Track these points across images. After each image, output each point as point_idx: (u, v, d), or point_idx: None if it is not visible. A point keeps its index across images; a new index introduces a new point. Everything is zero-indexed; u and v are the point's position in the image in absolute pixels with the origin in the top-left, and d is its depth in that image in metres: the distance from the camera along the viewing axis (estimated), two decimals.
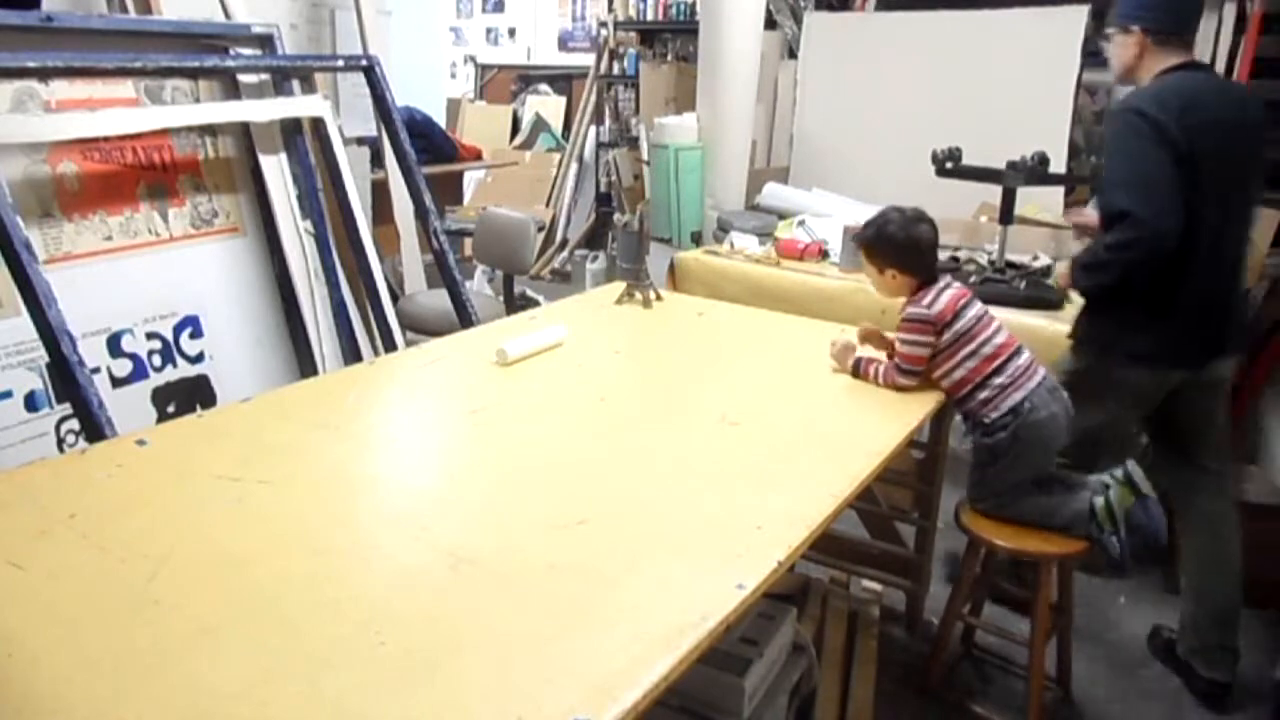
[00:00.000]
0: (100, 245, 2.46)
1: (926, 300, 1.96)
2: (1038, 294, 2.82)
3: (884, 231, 2.00)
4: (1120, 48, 2.25)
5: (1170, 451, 2.35)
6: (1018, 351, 1.98)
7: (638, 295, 2.53)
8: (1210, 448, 2.33)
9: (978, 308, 1.99)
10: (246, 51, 2.82)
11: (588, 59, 7.14)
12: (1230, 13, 3.50)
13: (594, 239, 6.86)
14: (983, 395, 1.95)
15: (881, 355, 2.05)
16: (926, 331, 1.94)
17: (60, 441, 2.33)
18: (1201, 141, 2.04)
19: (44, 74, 2.30)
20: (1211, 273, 2.14)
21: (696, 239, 4.19)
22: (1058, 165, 3.32)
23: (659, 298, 2.55)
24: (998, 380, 1.94)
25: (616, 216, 6.07)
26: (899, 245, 1.98)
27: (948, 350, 1.95)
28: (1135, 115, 2.07)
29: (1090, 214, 2.52)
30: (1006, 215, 2.91)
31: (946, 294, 1.97)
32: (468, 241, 4.38)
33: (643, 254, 2.58)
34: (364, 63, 3.06)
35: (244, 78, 2.82)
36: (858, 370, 1.99)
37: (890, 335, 2.07)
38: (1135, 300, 2.13)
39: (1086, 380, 2.20)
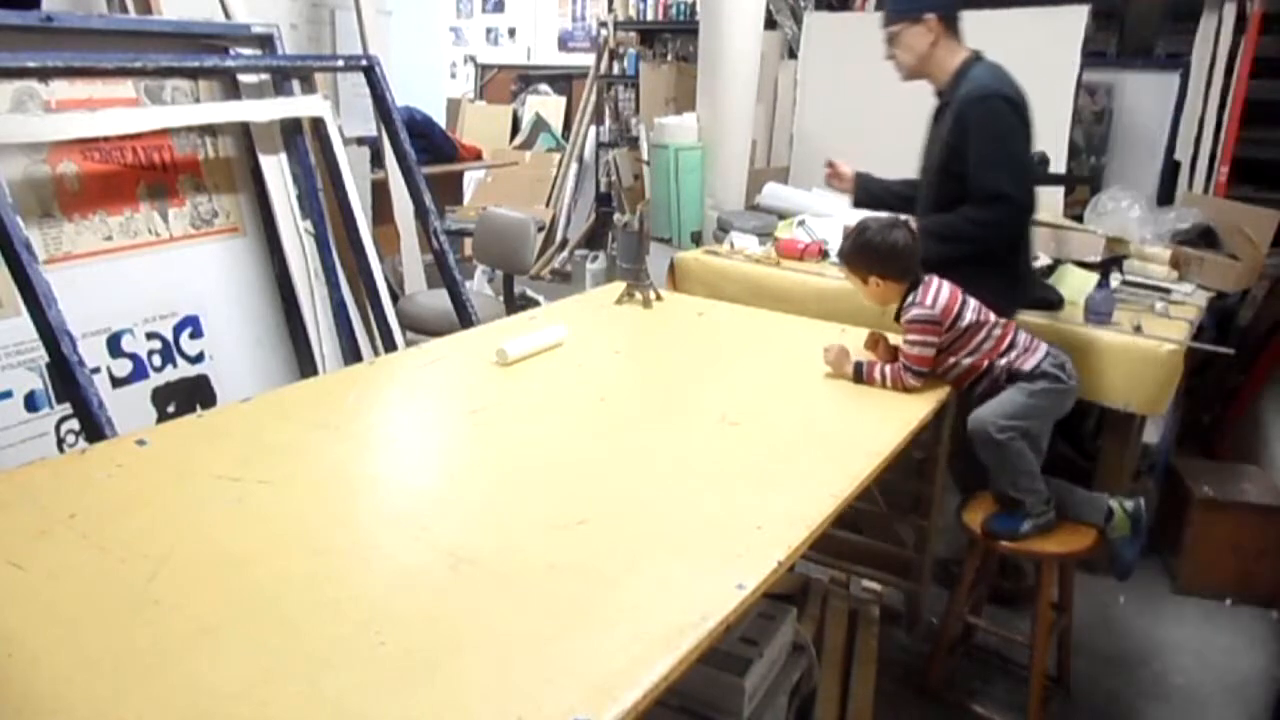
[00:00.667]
0: (100, 245, 2.46)
1: (928, 300, 1.97)
2: (1038, 294, 2.82)
3: (862, 240, 2.03)
4: (914, 39, 2.36)
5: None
6: (1018, 331, 2.09)
7: (637, 295, 2.53)
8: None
9: (972, 304, 2.03)
10: (246, 51, 2.82)
11: (588, 59, 7.14)
12: (1230, 13, 3.50)
13: (594, 239, 6.86)
14: (1003, 361, 2.02)
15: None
16: (934, 331, 1.96)
17: (60, 441, 2.33)
18: (1030, 121, 2.29)
19: (44, 74, 2.30)
20: (1028, 236, 2.46)
21: (696, 239, 4.19)
22: (1058, 165, 3.32)
23: (659, 298, 2.54)
24: (1014, 352, 2.04)
25: (616, 216, 6.08)
26: (880, 253, 2.00)
27: (961, 340, 2.00)
28: (1003, 101, 2.22)
29: (845, 166, 2.78)
30: None
31: (944, 290, 1.99)
32: (468, 241, 4.38)
33: (643, 254, 2.57)
34: (364, 63, 3.06)
35: (244, 78, 2.82)
36: (861, 376, 1.96)
37: (895, 340, 2.07)
38: (990, 266, 2.25)
39: None
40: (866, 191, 2.77)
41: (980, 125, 2.25)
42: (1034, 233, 2.43)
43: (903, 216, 2.13)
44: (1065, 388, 2.06)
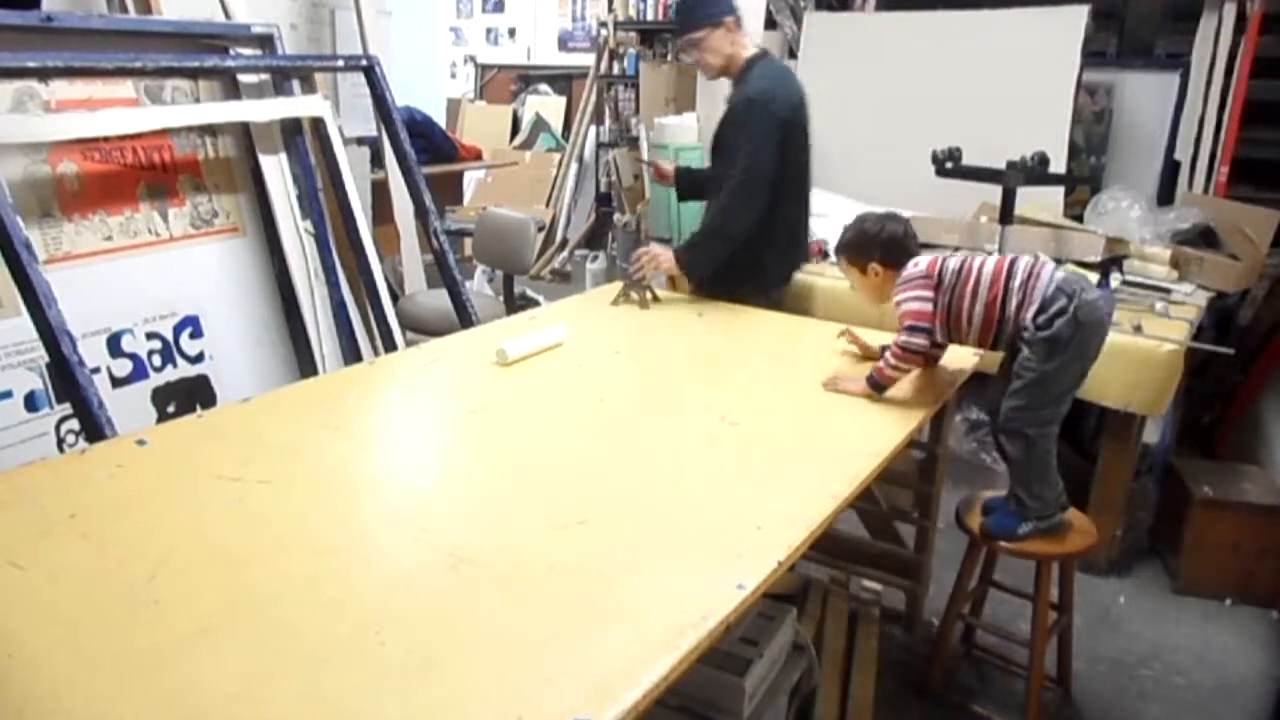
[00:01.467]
0: (100, 245, 2.46)
1: (910, 266, 1.96)
2: None
3: (861, 230, 2.03)
4: (718, 42, 2.55)
5: None
6: (1019, 258, 1.93)
7: (634, 295, 2.52)
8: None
9: (959, 253, 2.01)
10: (246, 51, 2.82)
11: (588, 59, 7.14)
12: (1230, 13, 3.50)
13: (594, 239, 6.85)
14: (1013, 304, 1.87)
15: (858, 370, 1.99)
16: (924, 286, 1.91)
17: (60, 441, 2.33)
18: (804, 115, 2.58)
19: (44, 74, 2.30)
20: (806, 215, 2.74)
21: None
22: (1058, 165, 3.32)
23: (656, 299, 2.54)
24: (1015, 284, 1.87)
25: (616, 216, 6.08)
26: (879, 240, 2.00)
27: (957, 291, 1.91)
28: (770, 104, 2.46)
29: (666, 164, 3.00)
30: (1006, 215, 2.91)
31: (924, 257, 1.98)
32: (468, 241, 4.38)
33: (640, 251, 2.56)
34: (364, 63, 3.06)
35: (244, 78, 2.82)
36: (876, 383, 1.89)
37: (876, 345, 2.09)
38: (758, 249, 2.57)
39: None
40: (686, 184, 2.94)
41: (746, 124, 2.49)
42: (805, 211, 2.72)
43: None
44: (1091, 305, 1.81)
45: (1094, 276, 2.80)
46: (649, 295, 2.54)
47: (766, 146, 2.46)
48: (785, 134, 2.48)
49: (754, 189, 2.48)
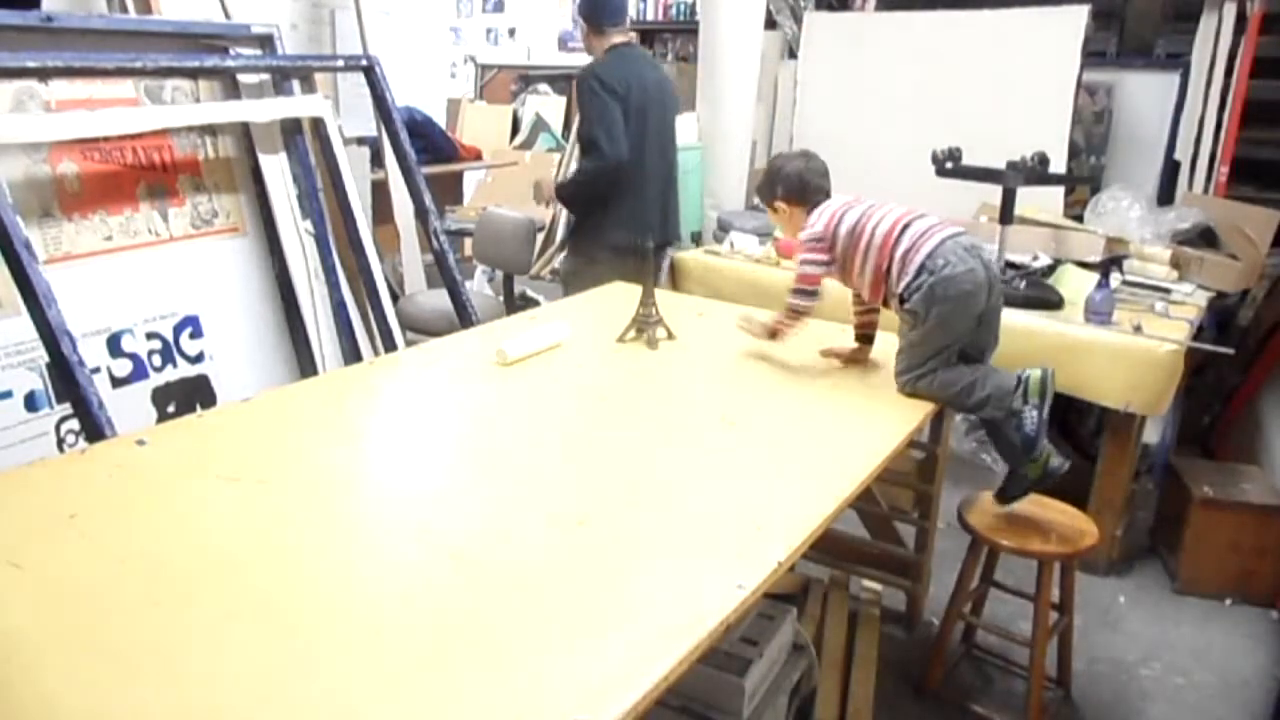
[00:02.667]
0: (100, 245, 2.46)
1: (810, 221, 2.03)
2: (1038, 294, 2.82)
3: (768, 169, 2.14)
4: (581, 34, 3.27)
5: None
6: (916, 219, 1.95)
7: (644, 334, 2.22)
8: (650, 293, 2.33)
9: (861, 205, 2.01)
10: (246, 51, 2.82)
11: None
12: (1230, 13, 3.50)
13: None
14: (895, 272, 1.92)
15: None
16: (818, 249, 2.00)
17: (60, 441, 2.32)
18: (639, 95, 3.02)
19: (44, 74, 2.29)
20: (657, 184, 3.18)
21: (696, 239, 4.19)
22: (1058, 165, 3.32)
23: (671, 335, 2.25)
24: (899, 251, 1.91)
25: None
26: (782, 177, 2.09)
27: (848, 254, 1.99)
28: (595, 80, 2.99)
29: (547, 180, 3.45)
30: (1006, 215, 2.91)
31: (827, 209, 2.03)
32: (468, 241, 4.37)
33: (651, 288, 2.24)
34: (364, 63, 3.06)
35: (244, 78, 2.81)
36: (773, 333, 2.07)
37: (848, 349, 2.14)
38: (602, 206, 3.07)
39: (583, 272, 3.08)
40: None
41: (579, 96, 3.08)
42: (645, 182, 3.11)
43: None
44: (951, 279, 1.84)
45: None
46: (663, 335, 2.24)
47: (588, 109, 3.01)
48: (604, 106, 2.94)
49: (584, 150, 3.04)
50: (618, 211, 3.07)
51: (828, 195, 2.09)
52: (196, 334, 2.67)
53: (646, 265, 2.27)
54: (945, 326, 1.87)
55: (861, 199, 2.05)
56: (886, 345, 2.25)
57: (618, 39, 3.15)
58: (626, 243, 3.00)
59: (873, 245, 1.95)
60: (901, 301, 1.93)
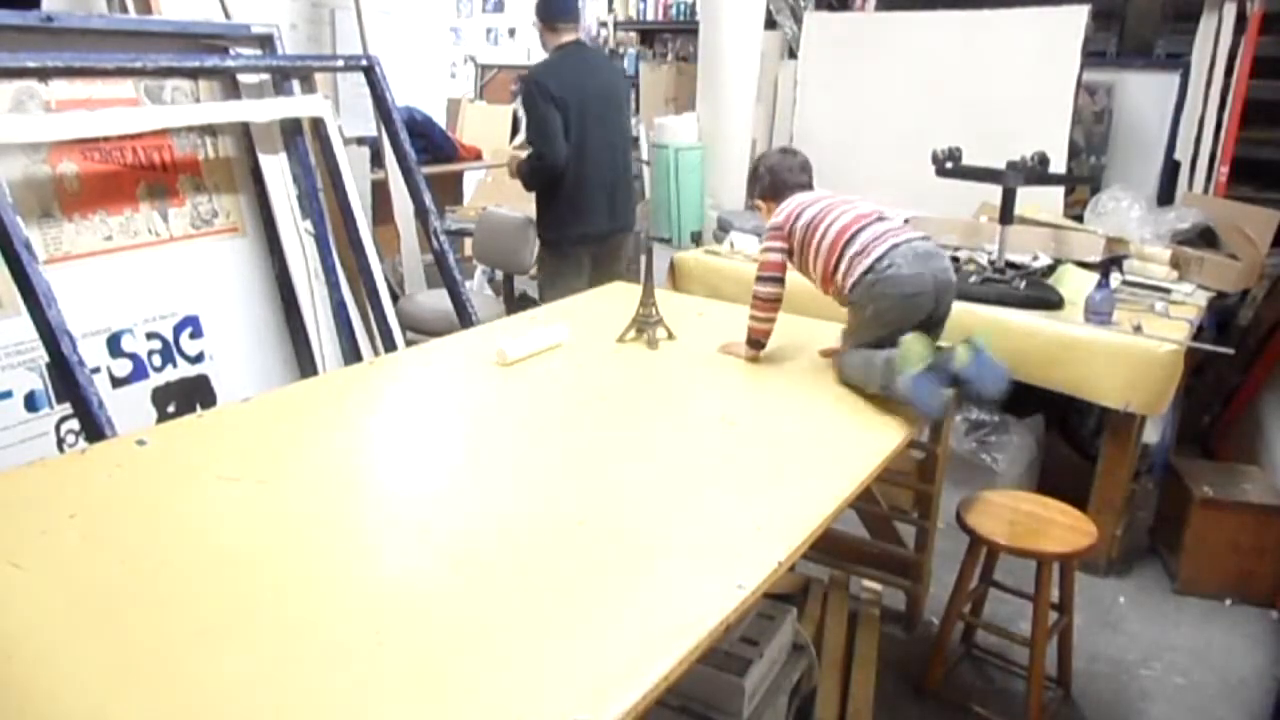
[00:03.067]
0: (100, 245, 2.46)
1: (775, 211, 2.08)
2: (1038, 294, 2.82)
3: (751, 169, 2.22)
4: (540, 36, 3.47)
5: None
6: (875, 223, 1.94)
7: (644, 335, 2.22)
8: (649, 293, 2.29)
9: (824, 201, 2.03)
10: (246, 51, 2.82)
11: None
12: (1230, 13, 3.50)
13: None
14: (842, 270, 1.93)
15: None
16: (776, 238, 2.04)
17: (60, 441, 2.33)
18: (578, 97, 3.27)
19: (44, 74, 2.29)
20: (604, 176, 3.42)
21: (696, 239, 4.19)
22: (1058, 165, 3.32)
23: (671, 335, 2.25)
24: (850, 252, 1.92)
25: None
26: (757, 176, 2.17)
27: (803, 246, 2.01)
28: (535, 87, 3.28)
29: (517, 150, 3.68)
30: (1006, 215, 2.91)
31: (792, 201, 2.05)
32: (468, 241, 4.37)
33: (651, 288, 2.21)
34: (364, 63, 3.06)
35: (244, 78, 2.82)
36: (754, 341, 2.06)
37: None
38: (547, 200, 3.43)
39: (551, 262, 3.50)
40: None
41: (523, 100, 3.40)
42: (589, 176, 3.39)
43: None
44: (893, 279, 1.84)
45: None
46: (663, 335, 2.25)
47: (531, 114, 3.32)
48: (542, 114, 3.25)
49: (542, 151, 3.31)
50: (567, 204, 3.41)
51: (807, 188, 2.11)
52: (196, 334, 2.67)
53: (647, 266, 2.26)
54: (880, 321, 1.89)
55: (833, 195, 2.06)
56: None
57: (568, 37, 3.42)
58: (579, 232, 3.44)
59: (824, 243, 1.97)
60: (849, 297, 1.96)
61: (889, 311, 1.88)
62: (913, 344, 1.77)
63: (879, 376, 1.83)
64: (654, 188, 4.57)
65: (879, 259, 1.87)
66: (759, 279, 2.04)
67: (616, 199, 3.51)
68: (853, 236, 1.93)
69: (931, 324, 1.93)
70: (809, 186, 2.13)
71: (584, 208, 3.42)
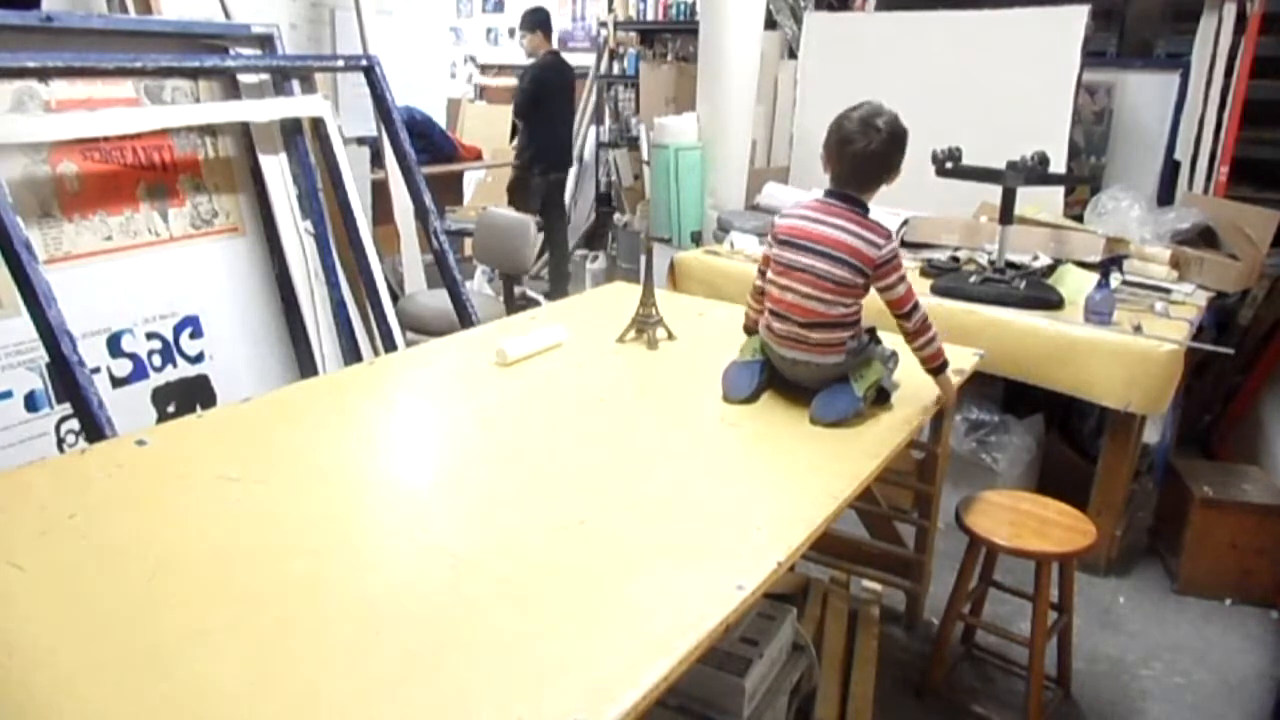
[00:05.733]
0: (100, 245, 2.46)
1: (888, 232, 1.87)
2: (1038, 294, 2.82)
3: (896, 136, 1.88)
4: (528, 40, 5.32)
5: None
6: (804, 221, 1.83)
7: (644, 334, 2.22)
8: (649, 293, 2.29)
9: (804, 207, 1.86)
10: (246, 51, 2.82)
11: (588, 59, 7.13)
12: (1230, 13, 3.50)
13: (594, 239, 6.85)
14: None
15: None
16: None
17: (60, 441, 2.33)
18: (552, 85, 5.22)
19: (44, 74, 2.30)
20: (560, 132, 5.44)
21: (696, 239, 4.18)
22: (1058, 165, 3.32)
23: (671, 336, 2.26)
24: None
25: (617, 216, 6.07)
26: (898, 145, 1.87)
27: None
28: (530, 81, 5.20)
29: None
30: (1006, 215, 2.91)
31: (795, 204, 1.92)
32: (468, 241, 4.37)
33: (651, 288, 2.22)
34: (364, 63, 3.06)
35: (244, 78, 2.82)
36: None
37: None
38: (531, 145, 5.30)
39: (521, 183, 5.34)
40: None
41: (520, 83, 5.33)
42: (552, 130, 5.35)
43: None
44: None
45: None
46: (663, 335, 2.25)
47: (521, 99, 5.25)
48: (536, 90, 5.17)
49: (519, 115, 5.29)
50: (536, 145, 5.26)
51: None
52: (196, 334, 2.67)
53: (647, 266, 2.26)
54: None
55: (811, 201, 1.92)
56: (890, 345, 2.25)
57: (546, 45, 5.31)
58: (542, 165, 5.29)
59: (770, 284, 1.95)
60: None
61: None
62: (753, 338, 1.93)
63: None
64: (654, 188, 4.57)
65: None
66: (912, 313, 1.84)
67: (565, 147, 5.57)
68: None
69: None
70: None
71: (548, 148, 5.33)
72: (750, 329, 2.07)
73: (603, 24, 6.84)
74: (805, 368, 1.84)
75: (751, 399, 1.88)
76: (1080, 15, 3.48)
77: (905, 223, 3.41)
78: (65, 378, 2.05)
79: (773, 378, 1.93)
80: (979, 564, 2.23)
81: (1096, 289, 2.70)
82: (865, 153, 1.80)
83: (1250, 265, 3.08)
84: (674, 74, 5.95)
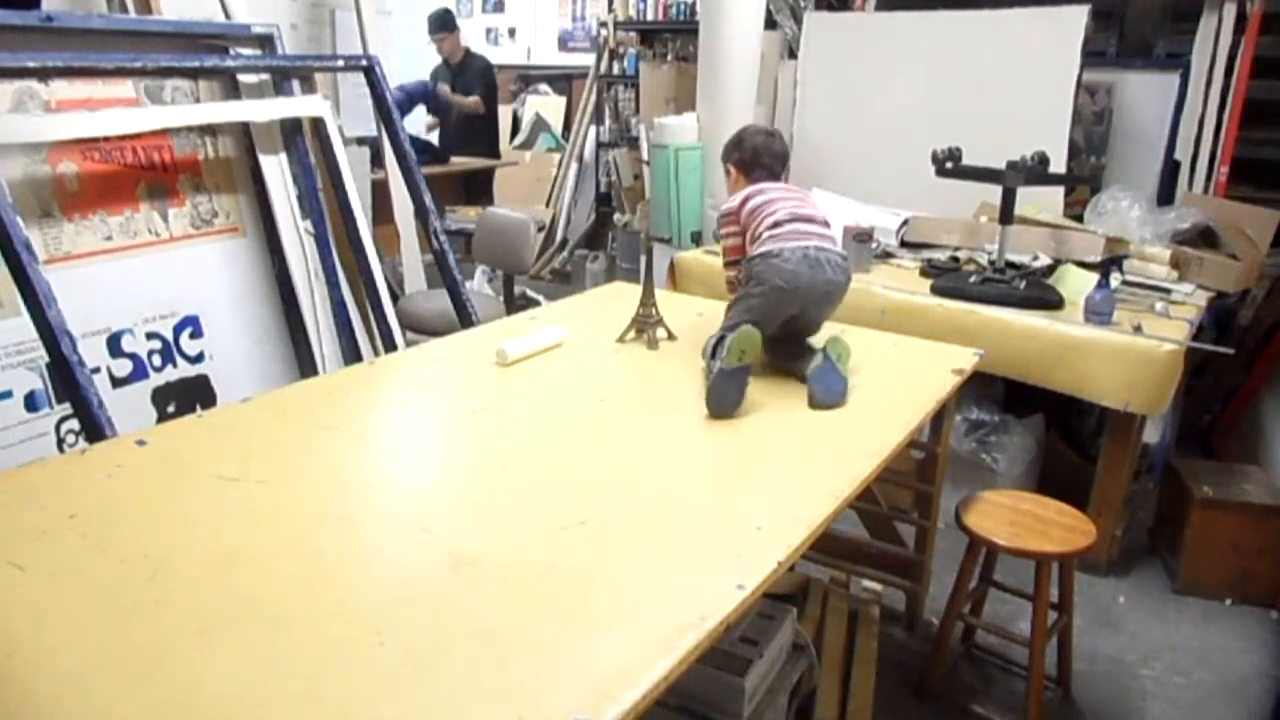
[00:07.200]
0: (100, 245, 2.46)
1: (730, 198, 2.13)
2: (1038, 294, 2.82)
3: (738, 133, 2.22)
4: (445, 44, 5.94)
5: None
6: (805, 221, 2.00)
7: (644, 334, 2.22)
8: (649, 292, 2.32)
9: (775, 194, 2.06)
10: (246, 51, 2.82)
11: (588, 59, 7.13)
12: (1230, 13, 3.50)
13: (594, 239, 6.85)
14: (750, 250, 2.01)
15: None
16: (729, 224, 2.10)
17: (60, 441, 2.33)
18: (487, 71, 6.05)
19: (44, 74, 2.30)
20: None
21: (696, 239, 4.19)
22: (1058, 165, 3.32)
23: (671, 336, 2.26)
24: (764, 236, 1.99)
25: (617, 216, 6.07)
26: (743, 146, 2.18)
27: (747, 233, 2.05)
28: (489, 67, 6.11)
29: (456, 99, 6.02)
30: (1006, 215, 2.91)
31: (747, 189, 2.10)
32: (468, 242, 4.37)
33: (651, 288, 2.22)
34: (364, 63, 3.06)
35: (244, 78, 2.82)
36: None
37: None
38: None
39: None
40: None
41: (482, 74, 5.97)
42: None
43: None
44: (775, 268, 1.92)
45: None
46: (663, 335, 2.25)
47: (490, 94, 5.94)
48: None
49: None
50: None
51: (773, 176, 2.16)
52: (196, 334, 2.67)
53: (647, 266, 2.26)
54: (747, 304, 1.98)
55: (786, 190, 2.11)
56: (891, 346, 2.25)
57: (465, 45, 6.09)
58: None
59: (760, 232, 2.02)
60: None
61: (756, 297, 1.96)
62: (739, 340, 1.80)
63: (706, 353, 1.95)
64: (654, 188, 4.57)
65: (775, 250, 1.96)
66: (726, 264, 2.15)
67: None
68: (775, 229, 1.99)
69: (798, 328, 2.03)
70: (777, 176, 2.18)
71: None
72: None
73: (603, 24, 6.84)
74: (833, 269, 1.97)
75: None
76: (1080, 15, 3.48)
77: (905, 222, 3.41)
78: (65, 378, 2.05)
79: (766, 368, 1.98)
80: (979, 564, 2.23)
81: (1096, 289, 2.70)
82: (783, 150, 2.23)
83: (1250, 265, 3.08)
84: (674, 74, 5.95)
